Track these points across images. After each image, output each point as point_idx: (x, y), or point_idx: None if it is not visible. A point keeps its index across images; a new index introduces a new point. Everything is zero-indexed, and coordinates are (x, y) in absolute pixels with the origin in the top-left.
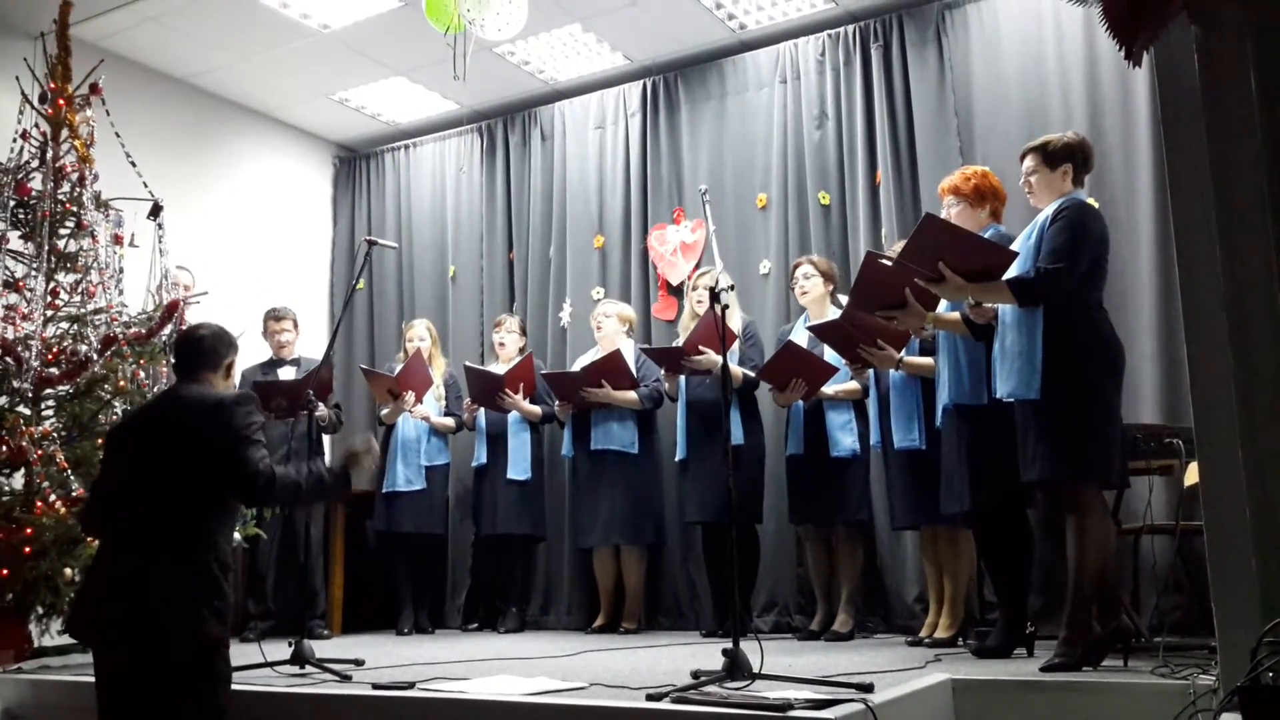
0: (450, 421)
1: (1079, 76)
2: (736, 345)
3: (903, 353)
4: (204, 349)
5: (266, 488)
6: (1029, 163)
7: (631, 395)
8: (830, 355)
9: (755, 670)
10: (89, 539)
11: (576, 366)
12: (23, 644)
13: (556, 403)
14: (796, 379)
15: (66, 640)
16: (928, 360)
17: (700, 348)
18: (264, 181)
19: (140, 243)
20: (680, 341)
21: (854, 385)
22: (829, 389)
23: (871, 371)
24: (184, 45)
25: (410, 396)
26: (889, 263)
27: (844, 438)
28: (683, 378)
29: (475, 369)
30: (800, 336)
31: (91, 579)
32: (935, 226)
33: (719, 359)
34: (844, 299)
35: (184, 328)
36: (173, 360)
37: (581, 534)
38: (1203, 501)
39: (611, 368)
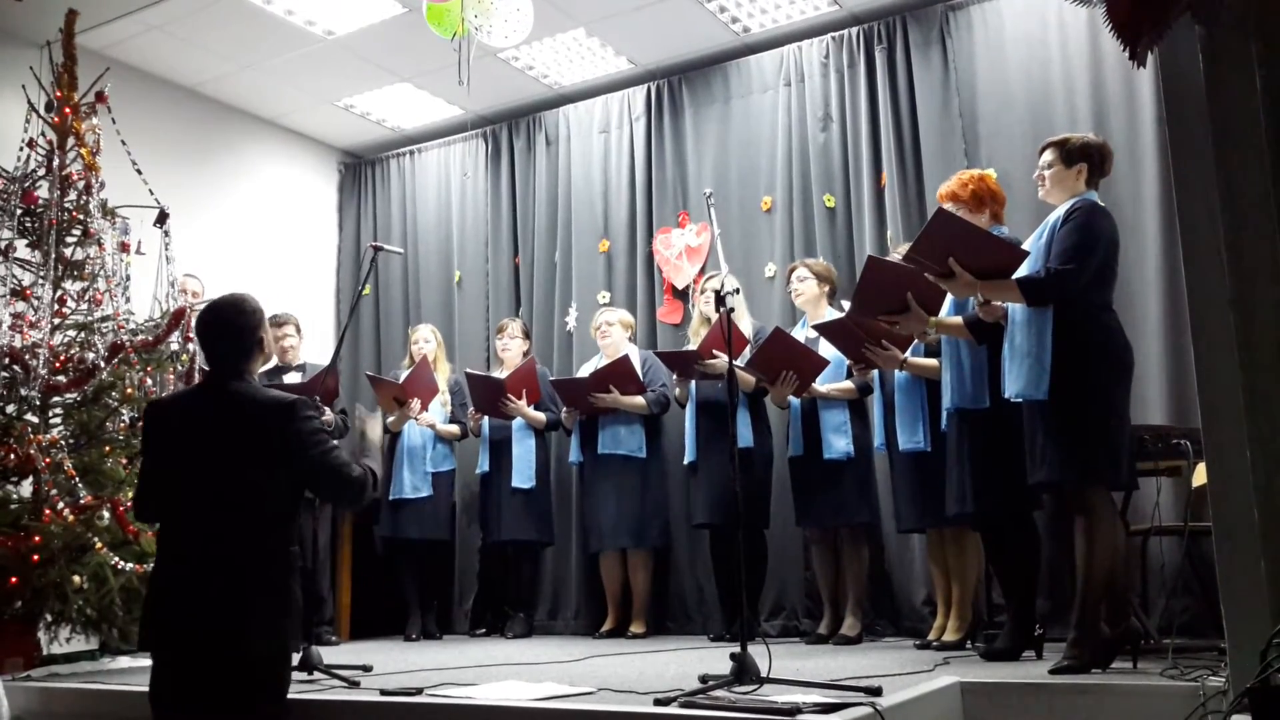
0: (455, 429)
1: (1084, 77)
2: (747, 350)
3: (907, 353)
4: (237, 342)
5: (365, 487)
6: (1047, 156)
7: (639, 400)
8: (832, 354)
9: (763, 674)
10: (99, 547)
11: (581, 374)
12: (31, 652)
13: (564, 409)
14: (787, 372)
15: (75, 648)
16: (932, 361)
17: (714, 351)
18: (270, 188)
19: (147, 250)
20: (693, 346)
21: (848, 385)
22: (823, 387)
23: (876, 372)
24: (189, 53)
25: (416, 404)
26: (897, 258)
27: (837, 440)
28: (694, 381)
29: (477, 376)
30: (802, 337)
31: (160, 589)
32: (947, 222)
33: None
34: (844, 303)
35: (193, 324)
36: (202, 349)
37: (591, 538)
38: (1211, 502)
39: (619, 373)
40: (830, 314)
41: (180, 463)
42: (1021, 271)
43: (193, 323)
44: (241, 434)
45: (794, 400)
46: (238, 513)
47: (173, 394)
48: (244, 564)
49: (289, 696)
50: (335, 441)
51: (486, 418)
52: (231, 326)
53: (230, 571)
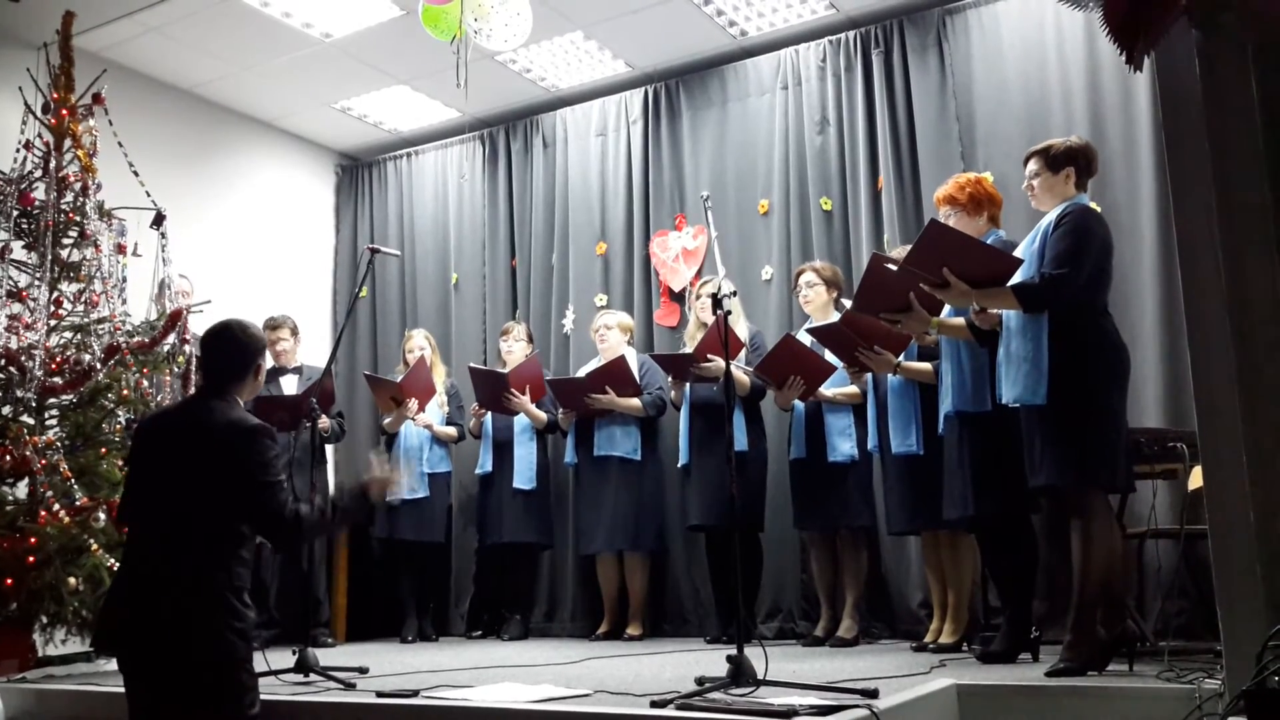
0: (453, 430)
1: (1080, 81)
2: (743, 354)
3: (900, 357)
4: (232, 362)
5: (294, 533)
6: (1032, 165)
7: (635, 402)
8: (829, 357)
9: (760, 677)
10: (94, 549)
11: (579, 375)
12: (27, 653)
13: (560, 410)
14: (794, 377)
15: (70, 649)
16: (925, 365)
17: (709, 355)
18: (266, 190)
19: (143, 252)
20: (689, 349)
21: (854, 389)
22: (828, 391)
23: (870, 376)
24: (186, 55)
25: (414, 404)
26: (894, 267)
27: (842, 443)
28: (689, 384)
29: (480, 369)
30: (801, 339)
31: (114, 593)
32: (940, 233)
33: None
34: (845, 303)
35: (191, 334)
36: (197, 366)
37: (584, 540)
38: (1207, 505)
39: (615, 374)
40: (835, 318)
41: (149, 472)
42: (1016, 278)
43: (189, 324)
44: (204, 449)
45: (797, 404)
46: (190, 524)
47: (161, 409)
48: (191, 574)
49: (260, 699)
50: (283, 478)
51: (489, 416)
52: (234, 343)
53: (177, 580)
